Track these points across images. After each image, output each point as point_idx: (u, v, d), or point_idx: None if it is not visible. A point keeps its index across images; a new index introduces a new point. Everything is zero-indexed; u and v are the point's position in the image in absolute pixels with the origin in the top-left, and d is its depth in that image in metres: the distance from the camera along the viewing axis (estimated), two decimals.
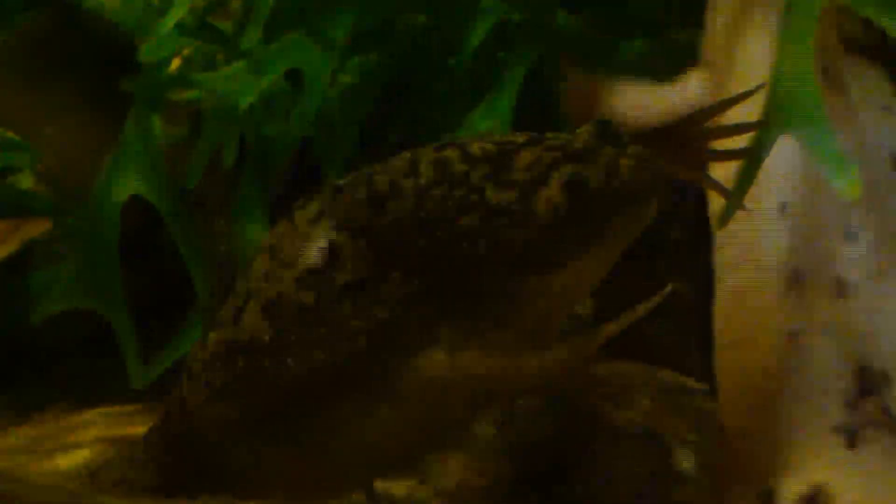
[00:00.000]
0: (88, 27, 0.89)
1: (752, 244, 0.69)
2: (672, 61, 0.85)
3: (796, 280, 0.69)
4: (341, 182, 0.67)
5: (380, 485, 0.78)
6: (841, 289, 0.68)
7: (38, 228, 0.84)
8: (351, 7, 0.84)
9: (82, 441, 0.81)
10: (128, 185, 0.78)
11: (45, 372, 0.86)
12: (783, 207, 0.69)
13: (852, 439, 0.64)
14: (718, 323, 0.72)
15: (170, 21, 0.81)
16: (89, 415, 0.84)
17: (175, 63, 0.87)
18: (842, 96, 0.70)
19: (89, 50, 0.89)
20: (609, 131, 0.67)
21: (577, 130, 0.68)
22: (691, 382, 0.82)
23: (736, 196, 0.65)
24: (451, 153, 0.67)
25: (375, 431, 0.66)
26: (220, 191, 0.82)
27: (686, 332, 0.84)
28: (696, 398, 0.80)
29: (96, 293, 0.78)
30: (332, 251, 0.68)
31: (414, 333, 0.64)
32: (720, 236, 0.72)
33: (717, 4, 0.80)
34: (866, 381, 0.66)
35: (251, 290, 0.68)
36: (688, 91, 0.79)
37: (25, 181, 0.86)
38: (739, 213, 0.66)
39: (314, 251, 0.69)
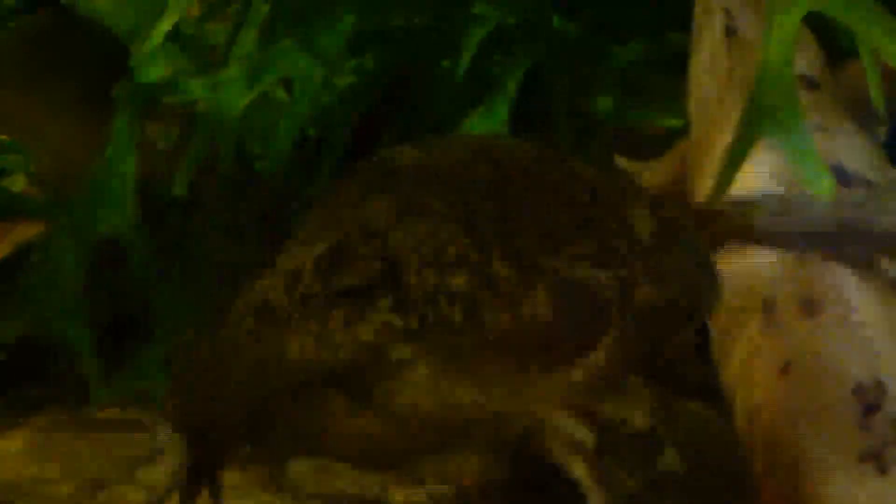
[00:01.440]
0: (83, 31, 0.89)
1: (729, 275, 0.67)
2: (667, 65, 0.85)
3: (768, 307, 0.68)
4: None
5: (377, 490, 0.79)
6: (811, 308, 0.67)
7: (30, 231, 0.84)
8: (346, 15, 0.84)
9: None
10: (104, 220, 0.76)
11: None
12: None
13: (881, 466, 0.63)
14: (719, 360, 0.72)
15: (161, 29, 0.80)
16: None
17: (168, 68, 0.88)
18: None
19: (84, 53, 0.89)
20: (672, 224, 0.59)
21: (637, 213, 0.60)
22: None
23: (716, 192, 0.67)
24: (473, 170, 0.59)
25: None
26: (213, 198, 0.82)
27: None
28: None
29: (62, 315, 0.77)
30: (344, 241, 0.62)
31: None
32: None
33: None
34: (868, 398, 0.65)
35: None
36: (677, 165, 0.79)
37: (18, 183, 0.87)
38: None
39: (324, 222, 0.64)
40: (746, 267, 0.70)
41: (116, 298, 0.80)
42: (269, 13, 0.84)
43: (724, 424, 0.71)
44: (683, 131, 0.82)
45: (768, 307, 0.68)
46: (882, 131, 0.75)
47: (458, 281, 0.57)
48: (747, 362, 0.69)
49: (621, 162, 0.86)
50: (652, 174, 0.83)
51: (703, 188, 0.74)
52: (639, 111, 0.88)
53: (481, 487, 0.76)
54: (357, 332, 0.60)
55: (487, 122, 0.84)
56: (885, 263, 0.69)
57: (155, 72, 0.83)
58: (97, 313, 0.78)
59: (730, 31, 0.76)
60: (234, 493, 0.74)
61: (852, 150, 0.72)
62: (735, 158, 0.66)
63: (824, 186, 0.64)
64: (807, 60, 0.74)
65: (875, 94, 0.67)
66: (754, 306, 0.68)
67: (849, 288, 0.67)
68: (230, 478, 0.71)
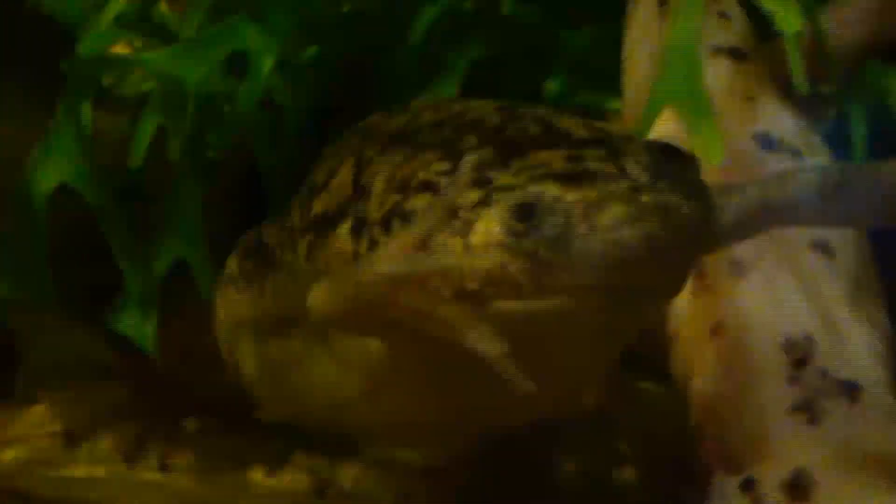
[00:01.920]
0: (29, 19, 0.89)
1: None
2: (616, 50, 0.86)
3: (698, 272, 0.69)
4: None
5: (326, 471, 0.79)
6: (739, 269, 0.70)
7: None
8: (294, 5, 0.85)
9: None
10: (55, 174, 0.75)
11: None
12: None
13: (812, 416, 0.65)
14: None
15: (109, 14, 0.80)
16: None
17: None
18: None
19: (29, 42, 0.88)
20: (667, 157, 0.54)
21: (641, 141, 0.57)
22: None
23: None
24: (487, 115, 0.58)
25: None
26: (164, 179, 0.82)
27: None
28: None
29: (26, 285, 0.76)
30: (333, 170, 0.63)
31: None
32: None
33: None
34: (796, 352, 0.67)
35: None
36: None
37: None
38: None
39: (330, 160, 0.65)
40: None
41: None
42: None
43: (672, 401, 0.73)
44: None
45: (698, 271, 0.69)
46: (832, 112, 0.78)
47: (418, 202, 0.55)
48: (681, 326, 0.71)
49: None
50: None
51: None
52: (587, 93, 0.89)
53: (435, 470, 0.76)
54: (315, 259, 0.59)
55: None
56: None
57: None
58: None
59: (662, 2, 0.78)
60: None
61: (776, 119, 0.75)
62: (643, 128, 0.69)
63: (715, 157, 0.65)
64: (733, 32, 0.76)
65: (794, 70, 0.70)
66: None
67: (773, 249, 0.69)
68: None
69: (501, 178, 0.53)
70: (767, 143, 0.74)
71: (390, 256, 0.53)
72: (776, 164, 0.72)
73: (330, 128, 0.85)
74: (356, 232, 0.56)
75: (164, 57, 0.78)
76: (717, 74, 0.75)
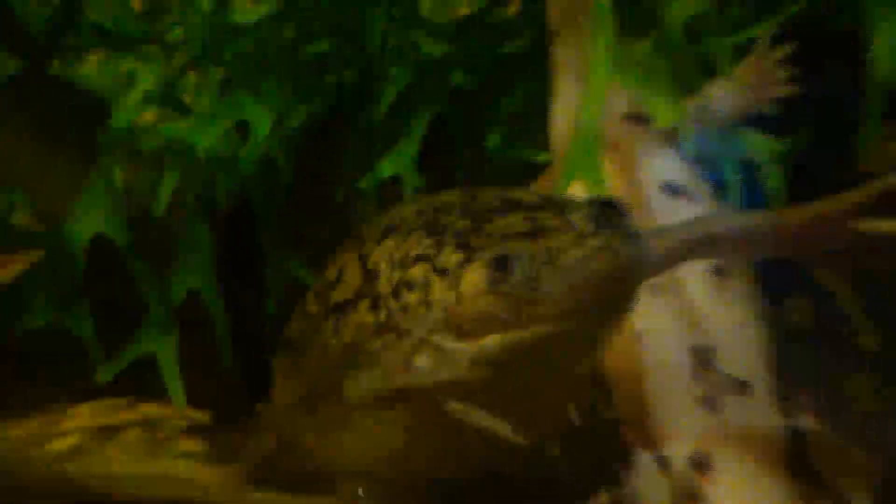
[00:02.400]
0: (67, 93, 1.06)
1: None
2: (544, 110, 0.99)
3: None
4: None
5: None
6: (655, 291, 0.81)
7: (32, 257, 0.95)
8: (285, 76, 1.02)
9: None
10: (91, 225, 0.91)
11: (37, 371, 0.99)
12: None
13: (713, 407, 0.76)
14: None
15: (137, 92, 0.96)
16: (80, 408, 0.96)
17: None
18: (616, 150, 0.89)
19: (71, 113, 1.05)
20: (604, 211, 0.66)
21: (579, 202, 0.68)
22: None
23: None
24: (454, 199, 0.70)
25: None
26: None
27: None
28: None
29: (66, 310, 0.91)
30: (342, 270, 0.73)
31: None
32: None
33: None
34: (700, 356, 0.79)
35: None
36: None
37: (21, 218, 0.99)
38: None
39: (335, 265, 0.75)
40: None
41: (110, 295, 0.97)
42: (223, 75, 1.03)
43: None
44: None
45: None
46: (714, 166, 0.95)
47: (416, 272, 0.67)
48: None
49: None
50: None
51: None
52: (521, 148, 1.03)
53: None
54: (342, 335, 0.71)
55: (398, 162, 0.98)
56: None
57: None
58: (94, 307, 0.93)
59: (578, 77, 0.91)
60: None
61: (675, 169, 0.88)
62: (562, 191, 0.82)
63: None
64: (634, 101, 0.90)
65: (684, 135, 0.86)
66: None
67: (683, 273, 0.82)
68: None
69: (477, 241, 0.66)
70: (672, 190, 0.86)
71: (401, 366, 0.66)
72: (680, 206, 0.85)
73: (316, 180, 1.04)
74: (374, 307, 0.69)
75: (180, 128, 0.95)
76: (632, 135, 0.89)
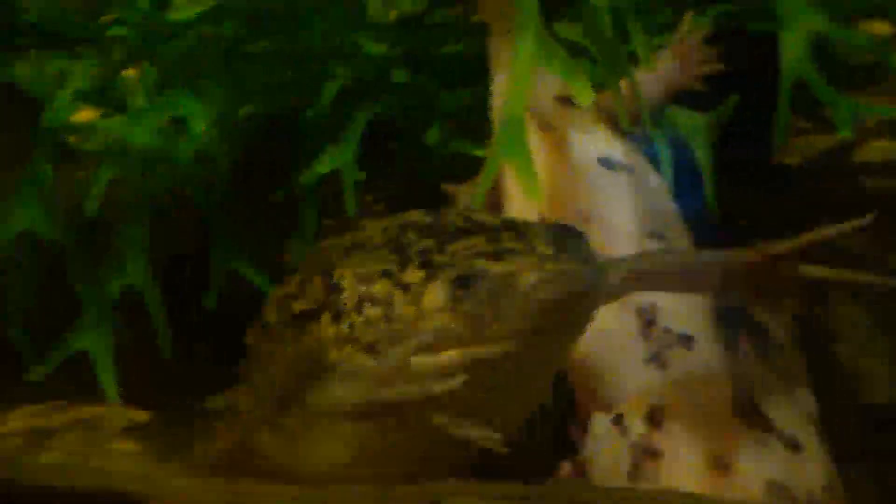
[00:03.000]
0: (5, 94, 1.04)
1: None
2: (484, 106, 1.00)
3: None
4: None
5: None
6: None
7: None
8: (224, 74, 1.02)
9: None
10: (20, 221, 0.90)
11: None
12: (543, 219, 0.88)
13: (661, 363, 0.79)
14: None
15: (67, 90, 0.95)
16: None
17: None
18: (553, 130, 0.92)
19: (6, 112, 1.04)
20: (563, 235, 0.69)
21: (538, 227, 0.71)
22: None
23: (474, 202, 0.86)
24: (418, 218, 0.73)
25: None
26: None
27: None
28: None
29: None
30: (303, 281, 0.74)
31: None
32: None
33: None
34: (646, 316, 0.81)
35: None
36: None
37: None
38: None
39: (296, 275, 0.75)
40: None
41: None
42: (161, 73, 1.02)
43: None
44: None
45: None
46: (647, 142, 0.97)
47: (379, 288, 0.69)
48: None
49: (445, 186, 1.02)
50: (464, 195, 0.99)
51: (509, 208, 0.93)
52: (460, 143, 1.04)
53: None
54: (301, 345, 0.72)
55: (337, 158, 0.98)
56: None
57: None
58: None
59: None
60: None
61: (610, 145, 0.93)
62: (484, 181, 0.86)
63: (536, 197, 0.83)
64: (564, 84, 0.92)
65: (620, 113, 0.89)
66: None
67: (622, 240, 0.86)
68: None
69: (440, 259, 0.68)
70: (608, 164, 0.90)
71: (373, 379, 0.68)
72: (619, 180, 0.90)
73: (252, 174, 1.03)
74: (336, 319, 0.71)
75: (116, 124, 0.94)
76: (565, 115, 0.93)
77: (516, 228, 0.71)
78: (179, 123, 0.98)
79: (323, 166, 0.99)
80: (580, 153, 0.92)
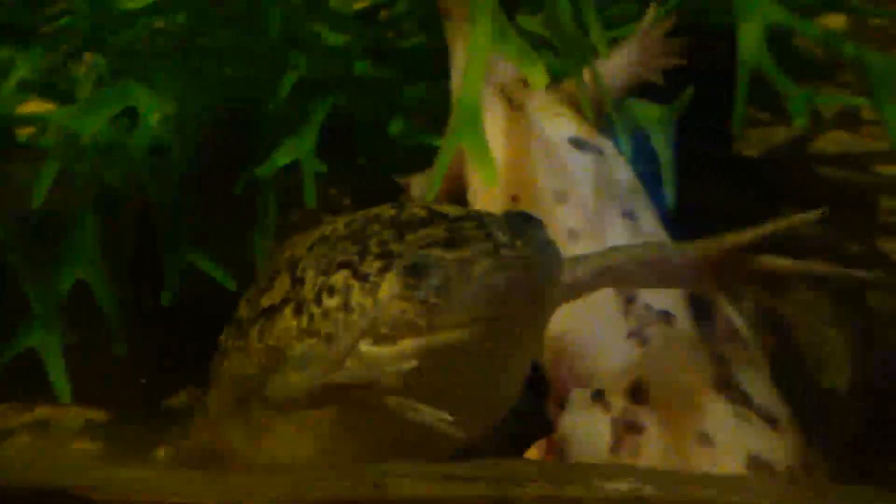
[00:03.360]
0: None
1: None
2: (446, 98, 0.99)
3: None
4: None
5: None
6: (572, 236, 0.86)
7: None
8: (179, 65, 0.99)
9: None
10: None
11: None
12: (514, 199, 0.89)
13: (641, 339, 0.79)
14: None
15: (11, 82, 0.91)
16: None
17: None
18: (522, 111, 0.93)
19: None
20: (521, 223, 0.68)
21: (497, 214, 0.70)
22: None
23: (429, 194, 0.86)
24: (385, 211, 0.72)
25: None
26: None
27: None
28: None
29: None
30: (273, 276, 0.75)
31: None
32: None
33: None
34: (623, 292, 0.82)
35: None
36: None
37: None
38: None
39: (269, 270, 0.77)
40: None
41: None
42: (111, 64, 1.00)
43: None
44: None
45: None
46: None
47: (338, 278, 0.69)
48: None
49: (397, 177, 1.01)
50: (419, 183, 0.99)
51: (473, 199, 0.92)
52: (422, 134, 1.03)
53: None
54: (266, 339, 0.73)
55: (297, 149, 0.96)
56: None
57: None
58: None
59: None
60: None
61: (579, 126, 0.92)
62: (440, 167, 0.86)
63: (490, 182, 0.83)
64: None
65: (583, 101, 0.90)
66: None
67: (596, 219, 0.87)
68: None
69: (397, 248, 0.69)
70: (578, 144, 0.91)
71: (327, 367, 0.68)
72: (588, 159, 0.90)
73: (213, 167, 1.01)
74: (297, 311, 0.71)
75: (63, 114, 0.91)
76: (533, 96, 0.93)
77: (477, 217, 0.71)
78: (132, 116, 0.95)
79: (282, 158, 0.97)
80: (551, 133, 0.92)
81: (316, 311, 0.70)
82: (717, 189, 1.08)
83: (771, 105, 1.08)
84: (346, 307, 0.69)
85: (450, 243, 0.68)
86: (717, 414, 0.76)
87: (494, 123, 0.93)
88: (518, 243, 0.68)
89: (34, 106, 1.00)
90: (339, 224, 0.75)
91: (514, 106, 0.94)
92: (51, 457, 0.89)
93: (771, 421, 0.77)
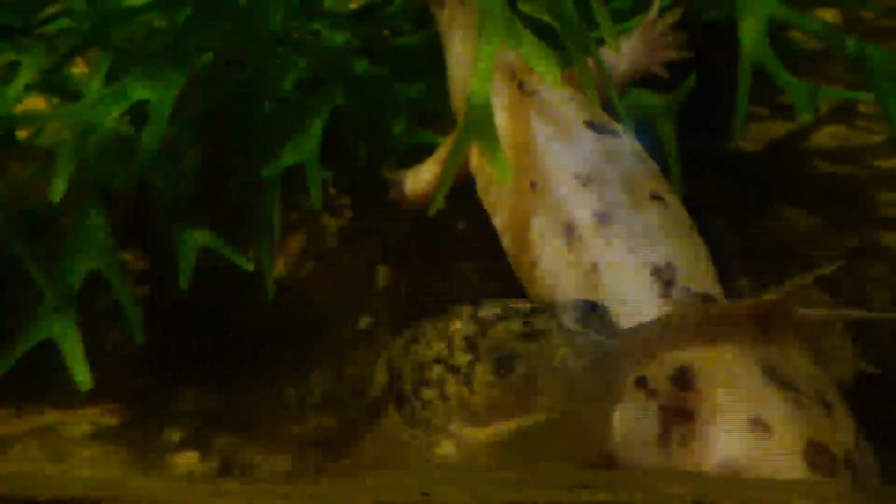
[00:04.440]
0: None
1: (519, 212, 0.90)
2: (445, 97, 1.01)
3: (569, 231, 0.87)
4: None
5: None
6: (605, 220, 0.86)
7: None
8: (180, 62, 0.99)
9: None
10: None
11: None
12: (533, 185, 0.90)
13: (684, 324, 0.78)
14: (527, 281, 0.89)
15: (18, 85, 0.91)
16: None
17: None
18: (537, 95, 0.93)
19: None
20: (593, 314, 0.79)
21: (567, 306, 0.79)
22: None
23: (440, 191, 0.88)
24: (461, 310, 0.81)
25: None
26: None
27: None
28: None
29: None
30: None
31: None
32: (491, 208, 0.93)
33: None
34: (662, 276, 0.83)
35: None
36: None
37: None
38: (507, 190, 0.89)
39: None
40: (525, 203, 0.90)
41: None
42: (111, 61, 0.97)
43: None
44: None
45: (569, 230, 0.87)
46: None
47: (434, 373, 0.79)
48: (560, 268, 0.87)
49: (386, 171, 1.02)
50: (414, 179, 1.01)
51: (482, 182, 0.94)
52: (422, 133, 1.04)
53: None
54: (379, 429, 0.81)
55: (301, 150, 0.96)
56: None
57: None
58: None
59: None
60: None
61: (595, 112, 0.93)
62: (451, 164, 0.87)
63: (503, 175, 0.85)
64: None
65: (589, 90, 0.91)
66: (559, 230, 0.87)
67: (625, 202, 0.87)
68: None
69: (483, 342, 0.78)
70: (594, 127, 0.92)
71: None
72: (606, 140, 0.91)
73: (217, 163, 0.99)
74: (398, 404, 0.80)
75: (77, 109, 0.89)
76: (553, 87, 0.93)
77: (547, 310, 0.80)
78: (132, 112, 0.94)
79: (287, 158, 0.96)
80: (567, 116, 0.92)
81: (416, 402, 0.80)
82: (716, 183, 1.09)
83: (768, 99, 1.10)
84: (443, 397, 0.78)
85: (529, 336, 0.78)
86: (771, 399, 0.75)
87: (503, 109, 0.93)
88: (589, 331, 0.77)
89: (31, 103, 0.98)
90: (426, 326, 0.83)
91: (527, 91, 0.93)
92: (59, 465, 0.87)
93: (827, 405, 0.76)
